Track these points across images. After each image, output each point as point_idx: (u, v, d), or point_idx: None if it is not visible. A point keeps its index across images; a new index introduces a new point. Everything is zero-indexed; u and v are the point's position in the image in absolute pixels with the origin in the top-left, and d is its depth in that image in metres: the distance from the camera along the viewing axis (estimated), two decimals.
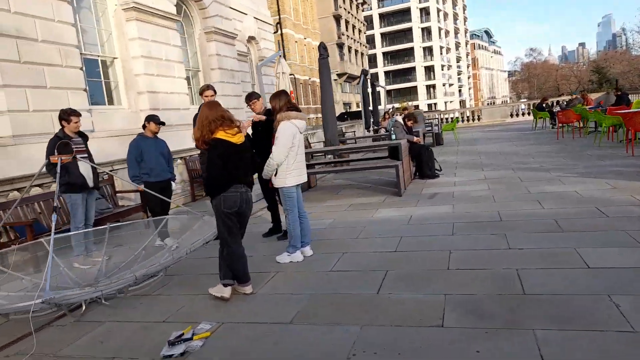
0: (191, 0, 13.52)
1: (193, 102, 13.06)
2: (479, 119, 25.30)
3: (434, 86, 79.58)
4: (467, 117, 25.76)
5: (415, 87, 78.40)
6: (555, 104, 20.94)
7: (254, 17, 18.94)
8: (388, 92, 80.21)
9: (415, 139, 8.69)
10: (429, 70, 79.35)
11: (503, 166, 9.14)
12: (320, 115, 44.02)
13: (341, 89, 50.63)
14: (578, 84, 52.93)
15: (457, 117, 23.13)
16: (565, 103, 18.21)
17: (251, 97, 5.37)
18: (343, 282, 3.78)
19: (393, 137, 8.55)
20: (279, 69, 9.48)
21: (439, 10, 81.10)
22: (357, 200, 7.25)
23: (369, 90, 18.71)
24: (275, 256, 4.54)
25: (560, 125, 13.59)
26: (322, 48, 10.46)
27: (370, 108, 18.45)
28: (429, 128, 15.53)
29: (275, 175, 4.26)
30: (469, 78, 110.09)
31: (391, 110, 16.79)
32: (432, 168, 8.64)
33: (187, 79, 13.03)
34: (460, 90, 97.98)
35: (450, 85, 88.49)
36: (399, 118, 9.19)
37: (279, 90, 4.50)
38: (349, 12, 55.40)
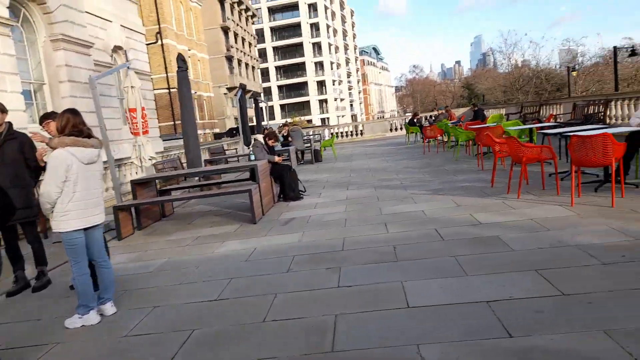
0: (32, 3, 11.83)
1: (34, 120, 11.35)
2: (361, 134, 26.10)
3: (326, 101, 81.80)
4: (351, 131, 26.44)
5: (308, 101, 79.89)
6: (425, 119, 22.29)
7: (121, 25, 17.38)
8: (282, 107, 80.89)
9: (276, 158, 8.27)
10: (321, 85, 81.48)
11: (368, 184, 9.11)
12: (208, 131, 42.49)
13: (232, 103, 49.50)
14: (452, 99, 58.20)
15: (335, 133, 23.51)
16: (433, 118, 19.44)
17: (47, 117, 4.46)
18: (134, 351, 3.07)
19: (252, 157, 8.04)
20: (126, 82, 8.47)
21: (328, 27, 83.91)
22: (207, 231, 6.57)
23: (252, 105, 18.16)
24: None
25: (426, 140, 14.29)
26: (181, 60, 9.71)
27: (254, 124, 17.93)
28: (308, 145, 15.40)
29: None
30: (359, 93, 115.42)
31: (268, 126, 16.34)
32: (295, 189, 8.27)
33: (29, 92, 11.30)
34: (351, 105, 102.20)
35: (342, 99, 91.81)
36: (260, 137, 8.71)
37: (68, 108, 3.69)
38: (237, 25, 54.68)
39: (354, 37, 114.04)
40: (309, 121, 74.07)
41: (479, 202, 6.29)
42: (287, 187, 8.23)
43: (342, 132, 26.31)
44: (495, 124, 11.42)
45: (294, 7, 77.61)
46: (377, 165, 12.37)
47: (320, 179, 10.86)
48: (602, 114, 12.61)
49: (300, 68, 79.62)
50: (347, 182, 9.80)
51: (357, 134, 26.23)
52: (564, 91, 39.80)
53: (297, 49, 78.81)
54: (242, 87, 18.18)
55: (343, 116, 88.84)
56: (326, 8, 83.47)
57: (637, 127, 6.31)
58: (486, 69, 69.97)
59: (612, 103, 12.72)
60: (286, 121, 71.65)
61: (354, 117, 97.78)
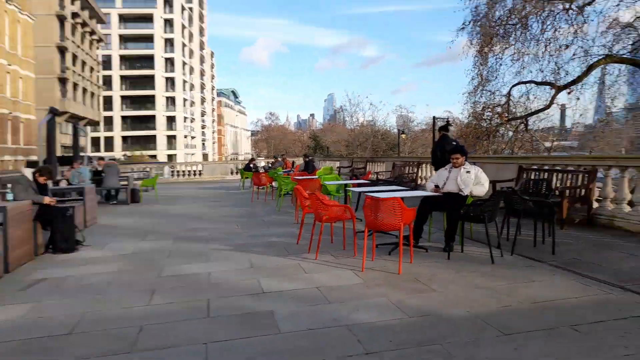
0: None
1: None
2: (200, 174, 24.69)
3: (175, 137, 78.05)
4: (191, 171, 24.85)
5: (155, 136, 75.22)
6: (261, 165, 22.02)
7: None
8: (124, 139, 74.54)
9: (45, 199, 6.60)
10: (171, 120, 77.74)
11: (170, 234, 7.91)
12: (21, 157, 36.20)
13: (59, 129, 43.47)
14: (302, 148, 60.60)
15: (159, 173, 21.65)
16: (269, 165, 19.21)
17: None
18: None
19: (10, 197, 6.26)
20: None
21: (184, 63, 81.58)
22: None
23: (83, 133, 15.53)
24: None
25: (255, 187, 13.73)
26: None
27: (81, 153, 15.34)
28: (125, 183, 13.55)
29: None
30: (213, 133, 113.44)
31: (80, 160, 14.07)
32: (70, 239, 6.66)
33: None
34: (204, 144, 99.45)
35: (193, 137, 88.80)
36: (28, 171, 6.96)
37: None
38: (79, 47, 49.34)
39: (212, 78, 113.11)
40: (153, 156, 69.38)
41: (276, 262, 5.63)
42: (59, 235, 6.58)
43: (181, 172, 24.53)
44: (317, 176, 11.36)
45: (149, 39, 73.89)
46: (196, 211, 11.23)
47: (122, 224, 9.27)
48: (415, 174, 13.63)
49: (149, 100, 75.03)
50: (149, 230, 8.45)
51: (196, 175, 24.72)
52: (396, 150, 44.23)
53: (149, 80, 74.46)
54: (53, 111, 15.56)
55: (193, 154, 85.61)
56: (184, 45, 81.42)
57: (431, 191, 6.46)
58: (333, 124, 75.03)
59: (423, 165, 13.88)
60: (135, 155, 65.88)
61: (205, 156, 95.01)
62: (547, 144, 44.20)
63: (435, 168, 8.57)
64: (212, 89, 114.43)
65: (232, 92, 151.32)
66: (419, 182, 13.52)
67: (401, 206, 4.83)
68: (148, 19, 73.21)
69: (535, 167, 8.54)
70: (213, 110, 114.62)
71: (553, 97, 16.68)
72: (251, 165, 18.17)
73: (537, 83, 17.45)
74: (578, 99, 16.54)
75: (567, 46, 16.33)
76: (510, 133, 19.17)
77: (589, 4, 16.38)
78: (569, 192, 7.59)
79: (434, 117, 23.98)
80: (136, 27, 72.97)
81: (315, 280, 4.79)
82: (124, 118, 74.40)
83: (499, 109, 17.29)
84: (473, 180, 6.24)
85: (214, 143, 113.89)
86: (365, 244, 5.28)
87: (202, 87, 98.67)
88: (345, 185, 9.08)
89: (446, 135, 8.80)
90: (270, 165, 18.94)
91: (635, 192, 7.25)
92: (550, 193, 6.87)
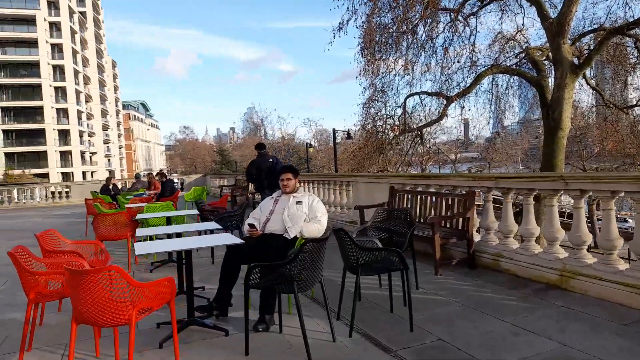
0: None
1: None
2: (67, 197, 21.02)
3: (70, 153, 70.59)
4: (52, 192, 21.08)
5: (46, 152, 67.40)
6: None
7: None
8: (7, 155, 65.87)
9: None
10: (64, 134, 70.24)
11: None
12: None
13: None
14: (212, 163, 57.43)
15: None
16: (131, 185, 16.35)
17: None
18: None
19: None
20: None
21: (77, 72, 74.39)
22: None
23: None
24: None
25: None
26: None
27: None
28: None
29: None
30: (120, 148, 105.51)
31: None
32: None
33: None
34: (109, 160, 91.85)
35: (94, 153, 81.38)
36: None
37: None
38: None
39: (115, 89, 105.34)
40: (45, 175, 62.00)
41: None
42: None
43: (50, 193, 20.69)
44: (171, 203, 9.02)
45: (32, 43, 66.32)
46: None
47: None
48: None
49: (38, 113, 67.16)
50: None
51: (62, 197, 21.00)
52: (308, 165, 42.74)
53: (36, 90, 66.70)
54: None
55: (95, 171, 78.26)
56: (75, 52, 74.31)
57: (247, 234, 4.50)
58: (252, 137, 72.46)
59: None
60: (9, 174, 57.95)
61: (111, 173, 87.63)
62: (452, 156, 45.52)
63: (255, 188, 8.05)
64: (117, 101, 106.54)
65: (142, 104, 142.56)
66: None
67: (128, 283, 2.74)
68: (30, 21, 65.73)
69: (408, 188, 6.97)
70: (119, 124, 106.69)
71: (445, 108, 15.88)
72: (110, 187, 14.93)
73: (428, 94, 16.66)
74: (463, 107, 16.47)
75: (456, 56, 15.82)
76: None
77: (474, 14, 16.01)
78: (444, 222, 6.05)
79: (333, 130, 22.65)
80: (16, 30, 65.21)
81: None
82: (6, 132, 65.82)
83: (390, 121, 16.15)
84: (306, 215, 4.38)
85: (121, 159, 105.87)
86: (72, 348, 3.08)
87: (103, 98, 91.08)
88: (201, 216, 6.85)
89: (263, 154, 8.22)
90: (132, 185, 15.65)
91: (524, 222, 5.54)
92: (413, 226, 5.19)
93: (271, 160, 8.85)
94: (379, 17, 15.33)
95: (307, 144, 35.92)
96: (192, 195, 11.45)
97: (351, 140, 21.34)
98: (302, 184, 10.42)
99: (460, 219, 5.99)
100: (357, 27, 15.54)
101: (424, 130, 17.59)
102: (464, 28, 15.80)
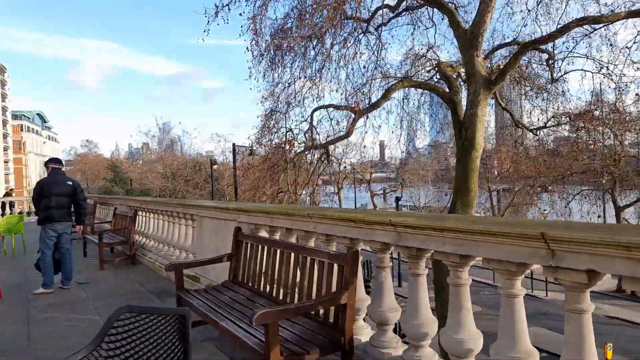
0: None
1: None
2: None
3: None
4: None
5: None
6: None
7: None
8: None
9: None
10: None
11: None
12: None
13: None
14: (103, 180, 51.73)
15: None
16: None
17: None
18: None
19: None
20: None
21: None
22: None
23: None
24: None
25: None
26: None
27: None
28: None
29: None
30: (6, 162, 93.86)
31: None
32: None
33: None
34: (7, 177, 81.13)
35: None
36: None
37: None
38: None
39: (3, 97, 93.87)
40: None
41: None
42: None
43: None
44: None
45: None
46: None
47: None
48: None
49: None
50: None
51: None
52: (216, 184, 39.51)
53: None
54: None
55: None
56: None
57: None
58: (165, 155, 67.13)
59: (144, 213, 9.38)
60: None
61: (10, 191, 76.68)
62: (367, 176, 45.01)
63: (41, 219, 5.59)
64: (4, 110, 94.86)
65: (39, 115, 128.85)
66: None
67: None
68: None
69: (264, 233, 4.54)
70: (5, 136, 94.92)
71: (353, 123, 14.16)
72: None
73: (337, 107, 14.89)
74: (373, 125, 14.83)
75: (366, 68, 14.31)
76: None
77: (385, 24, 14.70)
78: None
79: (233, 145, 20.12)
80: None
81: None
82: None
83: (290, 135, 14.06)
84: None
85: (6, 174, 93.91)
86: None
87: None
88: None
89: (57, 171, 6.53)
90: None
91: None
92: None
93: (70, 183, 6.21)
94: (274, 11, 13.25)
95: (211, 160, 32.80)
96: (3, 228, 8.33)
97: (254, 156, 18.94)
98: (140, 212, 7.72)
99: (332, 309, 3.18)
100: (241, 15, 13.18)
101: (338, 148, 15.78)
102: (376, 40, 14.39)
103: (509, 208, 32.59)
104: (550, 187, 26.69)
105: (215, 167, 32.18)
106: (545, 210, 31.94)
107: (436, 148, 39.88)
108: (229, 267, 4.05)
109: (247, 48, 13.50)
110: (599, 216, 27.23)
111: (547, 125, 16.40)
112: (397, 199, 33.61)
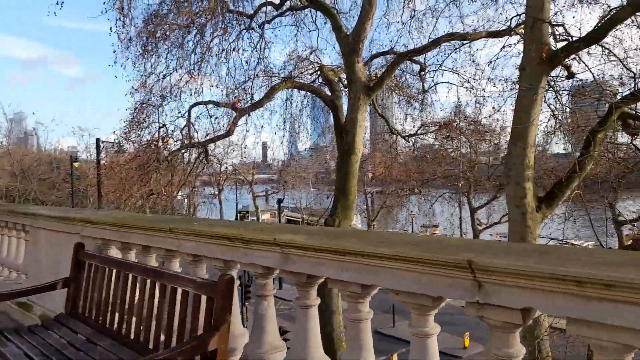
0: None
1: None
2: None
3: None
4: None
5: None
6: None
7: None
8: None
9: None
10: None
11: None
12: None
13: None
14: None
15: None
16: None
17: None
18: None
19: None
20: None
21: None
22: None
23: None
24: None
25: None
26: None
27: None
28: None
29: None
30: None
31: None
32: None
33: None
34: None
35: None
36: None
37: None
38: None
39: None
40: None
41: None
42: None
43: None
44: None
45: None
46: None
47: None
48: None
49: None
50: None
51: None
52: (77, 184, 34.99)
53: None
54: None
55: None
56: None
57: None
58: (17, 148, 57.23)
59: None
60: None
61: None
62: (249, 177, 44.00)
63: None
64: None
65: None
66: None
67: None
68: None
69: (113, 252, 3.58)
70: None
71: (235, 122, 13.42)
72: None
73: (216, 104, 13.99)
74: (255, 125, 14.28)
75: (249, 66, 13.62)
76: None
77: (269, 22, 14.24)
78: None
79: (97, 140, 17.86)
80: None
81: None
82: None
83: (164, 131, 12.81)
84: None
85: None
86: None
87: None
88: None
89: None
90: None
91: None
92: None
93: None
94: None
95: (71, 157, 29.03)
96: None
97: (121, 154, 16.97)
98: None
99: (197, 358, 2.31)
100: None
101: (218, 148, 14.79)
102: (260, 38, 13.78)
103: (382, 210, 34.55)
104: (417, 190, 29.04)
105: (76, 164, 28.51)
106: (412, 211, 34.64)
107: (317, 151, 40.61)
108: (66, 295, 3.12)
109: (110, 29, 11.90)
110: (460, 218, 30.34)
111: (418, 132, 17.47)
112: (280, 201, 33.45)
